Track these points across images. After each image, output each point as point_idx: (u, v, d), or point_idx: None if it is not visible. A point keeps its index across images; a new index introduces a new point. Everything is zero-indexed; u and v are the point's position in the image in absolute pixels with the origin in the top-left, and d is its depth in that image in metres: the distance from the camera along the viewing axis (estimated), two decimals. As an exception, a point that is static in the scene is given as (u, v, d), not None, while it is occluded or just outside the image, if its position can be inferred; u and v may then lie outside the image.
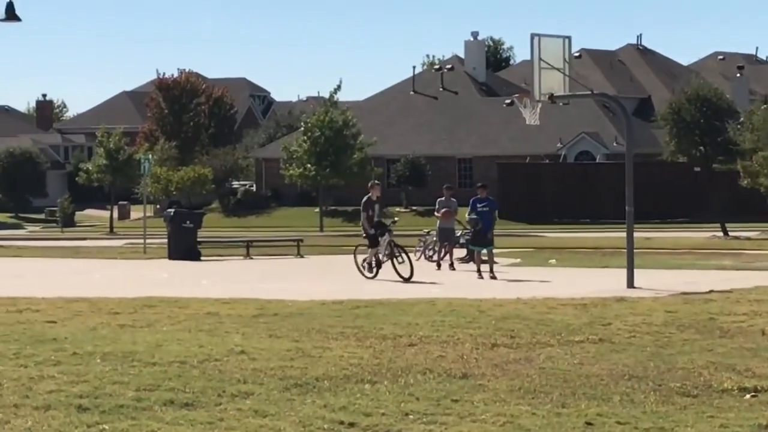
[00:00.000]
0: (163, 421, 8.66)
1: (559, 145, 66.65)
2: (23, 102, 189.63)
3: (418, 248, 29.01)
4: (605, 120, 67.86)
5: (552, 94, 20.69)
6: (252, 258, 31.72)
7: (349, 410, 9.07)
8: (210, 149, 74.71)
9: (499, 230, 23.98)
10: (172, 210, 32.99)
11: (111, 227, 60.36)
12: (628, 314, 15.09)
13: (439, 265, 25.90)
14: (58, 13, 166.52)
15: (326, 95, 63.84)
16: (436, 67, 79.28)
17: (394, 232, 23.79)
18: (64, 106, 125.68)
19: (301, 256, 32.14)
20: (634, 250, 20.67)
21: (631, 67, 78.71)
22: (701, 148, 46.68)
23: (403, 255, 22.51)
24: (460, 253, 27.63)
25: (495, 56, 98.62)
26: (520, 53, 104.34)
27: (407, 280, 21.80)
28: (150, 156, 42.22)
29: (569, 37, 21.16)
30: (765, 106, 44.94)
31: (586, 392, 9.85)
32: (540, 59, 20.52)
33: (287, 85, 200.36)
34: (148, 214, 43.07)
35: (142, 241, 36.21)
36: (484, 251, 23.28)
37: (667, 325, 14.10)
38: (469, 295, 17.95)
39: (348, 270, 26.59)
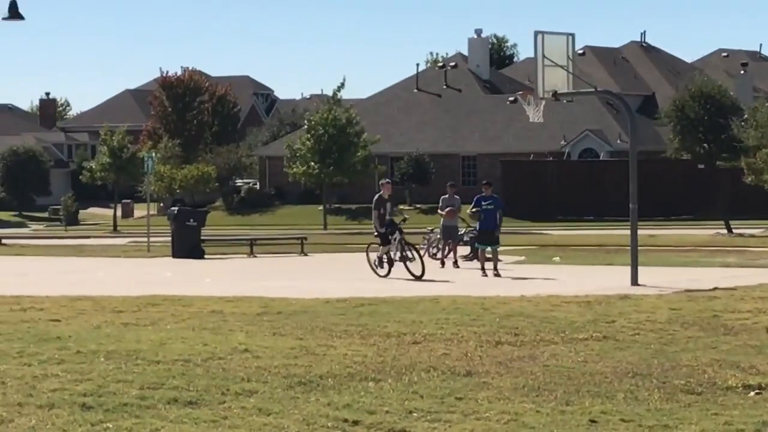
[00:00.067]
0: (167, 420, 8.66)
1: (562, 142, 66.61)
2: (27, 100, 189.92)
3: (422, 246, 28.96)
4: (609, 117, 67.81)
5: (556, 92, 20.67)
6: (256, 256, 31.73)
7: (353, 408, 9.07)
8: (213, 147, 74.74)
9: (502, 228, 23.91)
10: (176, 208, 33.01)
11: (114, 225, 60.40)
12: (632, 312, 15.08)
13: (442, 263, 25.89)
14: (61, 11, 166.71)
15: (330, 93, 63.83)
16: (440, 64, 79.27)
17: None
18: (68, 105, 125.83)
19: (305, 254, 32.14)
20: (638, 248, 20.66)
21: (635, 64, 78.65)
22: (705, 145, 46.75)
23: (414, 253, 22.40)
24: (464, 250, 27.62)
25: (499, 54, 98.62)
26: (524, 51, 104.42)
27: (419, 278, 21.65)
28: (153, 154, 42.24)
29: (573, 35, 21.15)
30: (769, 102, 44.89)
31: (590, 390, 9.84)
32: (544, 56, 20.51)
33: (291, 82, 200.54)
34: (151, 213, 43.08)
35: (145, 239, 36.22)
36: (489, 249, 23.26)
37: (671, 322, 14.09)
38: (473, 293, 17.95)
39: (352, 268, 26.58)
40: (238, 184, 73.06)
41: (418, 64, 77.68)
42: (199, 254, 30.70)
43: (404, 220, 23.97)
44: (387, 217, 22.74)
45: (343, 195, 65.00)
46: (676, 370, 10.78)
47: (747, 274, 21.72)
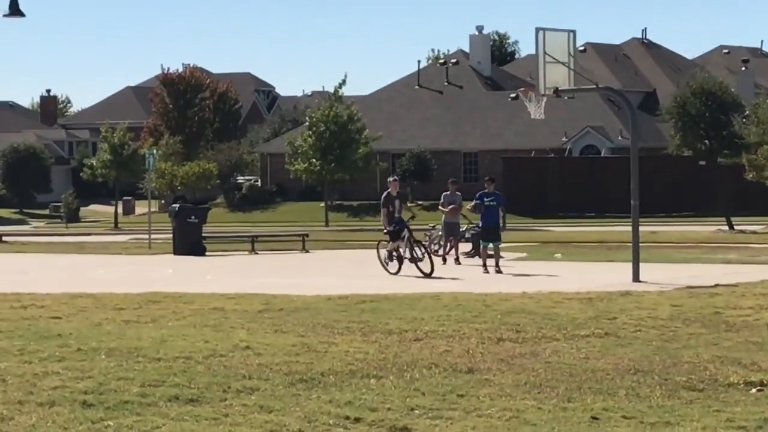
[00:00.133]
0: (168, 417, 8.65)
1: (564, 139, 66.60)
2: (27, 97, 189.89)
3: (423, 243, 28.95)
4: (610, 114, 67.80)
5: (557, 88, 20.65)
6: (257, 253, 31.72)
7: (354, 405, 9.06)
8: (215, 144, 74.74)
9: (508, 224, 23.90)
10: (177, 205, 32.99)
11: (116, 222, 60.39)
12: (634, 308, 15.08)
13: (444, 260, 25.87)
14: (62, 8, 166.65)
15: (331, 90, 63.78)
16: (441, 61, 79.24)
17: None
18: (69, 102, 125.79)
19: (307, 251, 32.13)
20: (640, 244, 20.64)
21: (636, 61, 78.63)
22: (706, 141, 46.66)
23: (422, 251, 22.31)
24: (465, 247, 27.61)
25: (500, 50, 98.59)
26: (525, 47, 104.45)
27: (428, 276, 21.56)
28: (154, 151, 42.23)
29: (574, 31, 21.13)
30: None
31: (591, 386, 9.84)
32: (545, 53, 20.49)
33: (292, 79, 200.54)
34: (152, 210, 43.07)
35: (146, 236, 36.21)
36: (491, 246, 23.25)
37: (672, 319, 14.08)
38: (475, 290, 17.94)
39: (354, 265, 26.58)
40: (240, 181, 73.05)
41: (419, 61, 77.71)
42: (200, 251, 30.69)
43: (412, 217, 23.87)
44: (396, 215, 22.62)
45: (345, 192, 64.99)
46: (677, 366, 10.77)
47: (748, 271, 21.71)
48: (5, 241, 39.53)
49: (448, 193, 26.64)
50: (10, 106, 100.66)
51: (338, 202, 63.83)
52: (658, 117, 58.88)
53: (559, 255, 28.09)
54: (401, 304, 15.72)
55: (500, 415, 8.77)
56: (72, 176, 78.76)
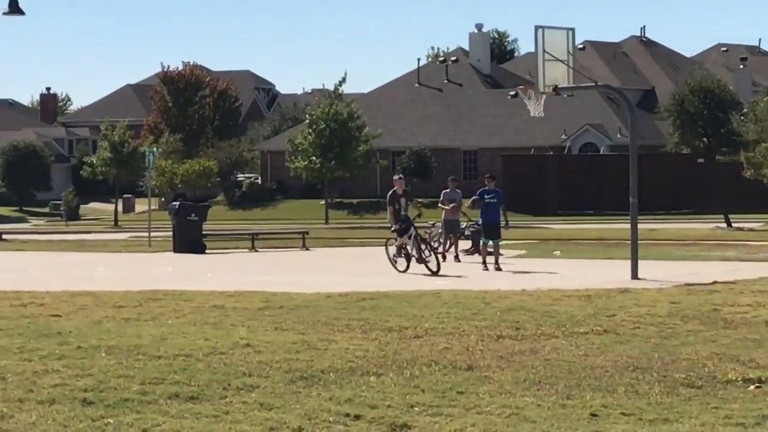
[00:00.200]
0: (168, 415, 8.67)
1: (563, 136, 66.62)
2: (27, 95, 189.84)
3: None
4: (609, 112, 67.81)
5: (556, 86, 20.67)
6: (257, 251, 31.73)
7: (354, 402, 9.08)
8: (215, 142, 74.74)
9: (511, 222, 23.84)
10: (177, 203, 32.99)
11: (115, 220, 60.40)
12: (633, 305, 15.10)
13: (444, 257, 25.87)
14: (61, 6, 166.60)
15: (331, 87, 63.80)
16: (441, 59, 79.22)
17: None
18: (68, 100, 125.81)
19: (307, 249, 32.14)
20: (638, 242, 20.66)
21: (635, 58, 78.62)
22: (705, 139, 46.67)
23: (428, 250, 22.21)
24: (465, 245, 27.63)
25: (500, 48, 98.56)
26: (525, 45, 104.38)
27: (435, 274, 21.49)
28: (154, 149, 42.24)
29: (573, 29, 21.14)
30: (768, 96, 44.87)
31: (590, 383, 9.86)
32: (544, 51, 20.50)
33: (292, 77, 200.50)
34: (152, 207, 43.09)
35: (146, 234, 36.23)
36: (491, 243, 23.27)
37: (671, 316, 14.10)
38: (475, 287, 17.96)
39: (354, 262, 26.59)
40: (240, 178, 73.06)
41: (419, 59, 77.67)
42: (200, 249, 30.70)
43: (419, 215, 23.83)
44: (402, 213, 22.48)
45: (345, 189, 65.00)
46: (676, 363, 10.80)
47: (746, 268, 21.73)
48: (5, 239, 39.53)
49: (448, 190, 26.65)
50: (10, 104, 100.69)
51: (338, 200, 63.84)
52: (657, 115, 58.88)
53: (558, 252, 28.11)
54: (401, 302, 15.74)
55: (500, 412, 8.79)
56: (72, 174, 78.75)
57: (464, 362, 10.88)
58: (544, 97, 21.36)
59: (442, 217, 26.79)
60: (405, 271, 22.05)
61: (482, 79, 73.67)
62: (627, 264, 20.21)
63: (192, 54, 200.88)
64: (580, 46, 67.94)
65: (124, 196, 68.90)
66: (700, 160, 52.26)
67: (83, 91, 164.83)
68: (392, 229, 22.68)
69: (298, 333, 12.85)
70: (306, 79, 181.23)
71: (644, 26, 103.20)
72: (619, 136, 65.12)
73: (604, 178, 56.27)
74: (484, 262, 23.12)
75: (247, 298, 16.35)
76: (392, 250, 22.77)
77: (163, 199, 65.69)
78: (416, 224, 22.96)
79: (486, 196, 23.41)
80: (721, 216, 43.94)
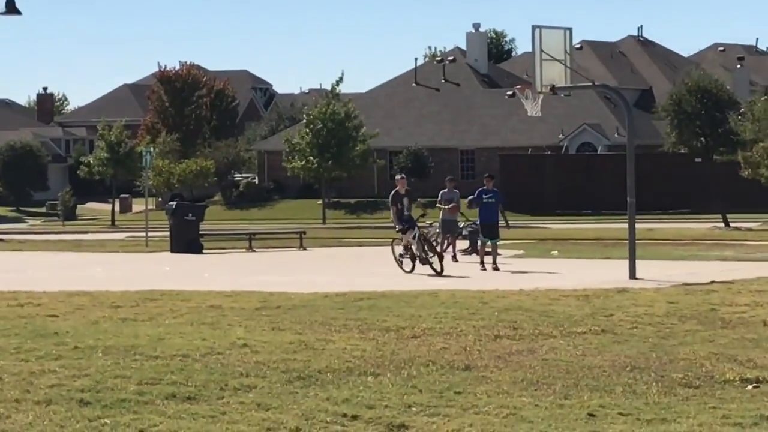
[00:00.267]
0: (165, 415, 8.65)
1: (560, 136, 66.64)
2: (24, 95, 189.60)
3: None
4: (606, 111, 67.83)
5: (553, 86, 20.66)
6: (254, 250, 31.72)
7: (352, 403, 9.07)
8: (212, 142, 74.70)
9: (510, 222, 23.79)
10: (174, 203, 32.97)
11: (113, 220, 60.37)
12: (630, 305, 15.09)
13: (441, 257, 25.85)
14: (58, 6, 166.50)
15: (328, 87, 63.80)
16: (438, 58, 79.22)
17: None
18: (65, 100, 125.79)
19: (304, 249, 32.13)
20: (636, 241, 20.66)
21: (632, 58, 78.66)
22: (702, 139, 46.75)
23: (431, 251, 22.08)
24: (462, 245, 27.62)
25: (497, 48, 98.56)
26: (522, 45, 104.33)
27: (440, 274, 21.32)
28: (151, 149, 42.20)
29: (570, 29, 21.13)
30: (765, 96, 44.92)
31: (588, 383, 9.85)
32: (541, 51, 20.50)
33: (289, 77, 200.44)
34: (150, 207, 43.09)
35: (143, 234, 36.20)
36: (489, 243, 23.26)
37: (668, 316, 14.10)
38: (472, 287, 17.95)
39: (351, 262, 26.59)
40: (237, 178, 73.04)
41: (416, 59, 77.68)
42: (197, 249, 30.68)
43: (423, 215, 23.69)
44: (405, 213, 22.30)
45: (342, 189, 64.98)
46: (674, 363, 10.79)
47: (744, 268, 21.73)
48: (2, 240, 39.49)
49: (446, 190, 26.65)
50: (7, 104, 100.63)
51: (335, 200, 63.83)
52: (654, 114, 58.98)
53: (555, 252, 28.11)
54: (399, 302, 15.73)
55: (497, 412, 8.78)
56: (69, 174, 78.71)
57: (462, 362, 10.87)
58: (541, 96, 21.35)
59: (440, 217, 26.78)
60: (411, 271, 21.79)
61: (479, 78, 73.68)
62: (625, 264, 20.20)
63: (189, 54, 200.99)
64: (578, 46, 68.00)
65: (121, 196, 68.87)
66: (698, 160, 52.32)
67: (80, 91, 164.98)
68: (397, 229, 22.55)
69: (296, 333, 12.83)
70: (303, 78, 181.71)
71: (641, 26, 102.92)
72: (616, 135, 65.13)
73: (602, 178, 56.29)
74: (482, 262, 23.11)
75: (244, 298, 16.33)
76: (398, 249, 22.58)
77: (160, 199, 65.66)
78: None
79: (484, 196, 23.40)
80: (719, 216, 43.95)
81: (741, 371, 10.25)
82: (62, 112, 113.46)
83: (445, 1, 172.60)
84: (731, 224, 42.63)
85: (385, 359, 11.05)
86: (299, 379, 10.03)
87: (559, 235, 38.00)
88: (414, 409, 8.90)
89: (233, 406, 8.99)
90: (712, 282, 18.27)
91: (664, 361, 10.92)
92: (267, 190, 69.65)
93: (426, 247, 22.08)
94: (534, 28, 20.63)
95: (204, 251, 30.84)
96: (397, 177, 23.22)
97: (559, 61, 20.66)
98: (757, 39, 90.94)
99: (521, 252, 28.46)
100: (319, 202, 59.91)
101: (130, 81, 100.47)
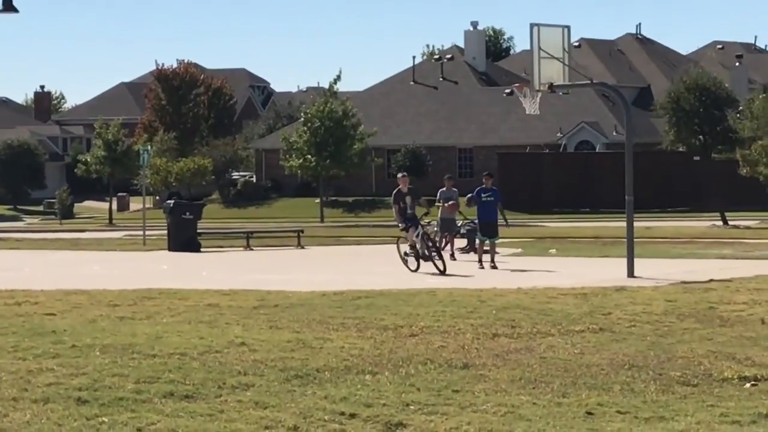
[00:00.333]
0: (163, 414, 8.64)
1: (559, 134, 66.64)
2: (21, 94, 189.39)
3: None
4: (605, 109, 67.84)
5: (551, 84, 20.65)
6: (252, 249, 31.71)
7: (349, 401, 9.06)
8: (209, 140, 74.67)
9: (510, 220, 23.74)
10: (172, 201, 32.96)
11: (110, 219, 60.35)
12: (629, 304, 15.09)
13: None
14: (56, 4, 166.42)
15: (326, 85, 63.82)
16: (436, 57, 79.22)
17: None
18: (63, 98, 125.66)
19: (302, 247, 32.13)
20: (634, 240, 20.66)
21: (631, 56, 78.67)
22: (700, 137, 46.74)
23: (433, 250, 21.99)
24: (461, 243, 27.62)
25: (495, 46, 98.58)
26: (520, 43, 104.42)
27: (443, 273, 21.20)
28: (149, 147, 42.19)
29: (568, 27, 21.13)
30: (764, 94, 44.92)
31: (586, 382, 9.85)
32: (539, 49, 20.49)
33: (287, 75, 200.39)
34: (147, 206, 43.05)
35: (141, 232, 36.20)
36: (488, 241, 23.25)
37: (667, 314, 14.09)
38: (470, 285, 17.95)
39: (349, 260, 26.58)
40: (235, 177, 73.01)
41: (414, 57, 77.68)
42: (195, 247, 30.68)
43: (426, 214, 23.64)
44: (408, 211, 22.13)
45: (340, 187, 64.97)
46: (672, 361, 10.78)
47: (742, 266, 21.74)
48: None
49: (444, 189, 26.65)
50: (4, 102, 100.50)
51: (333, 198, 63.82)
52: (653, 112, 58.94)
53: (554, 250, 28.11)
54: (396, 300, 15.72)
55: (495, 410, 8.77)
56: (66, 172, 78.67)
57: (460, 361, 10.86)
58: (539, 94, 21.34)
59: (438, 215, 26.78)
60: (416, 270, 21.64)
61: (478, 76, 73.68)
62: (623, 262, 20.20)
63: (186, 52, 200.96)
64: (576, 44, 68.00)
65: (119, 194, 68.85)
66: (696, 158, 52.32)
67: (77, 90, 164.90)
68: (400, 228, 22.45)
69: (293, 331, 12.82)
70: (301, 77, 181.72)
71: (640, 24, 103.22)
72: (614, 133, 65.14)
73: (600, 176, 56.31)
74: (480, 261, 23.11)
75: (242, 297, 16.32)
76: (404, 248, 22.45)
77: (157, 197, 65.65)
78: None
79: (483, 195, 23.39)
80: (717, 214, 43.98)
81: (739, 369, 10.24)
82: (59, 110, 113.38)
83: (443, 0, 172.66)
84: (729, 222, 42.65)
85: (383, 358, 11.04)
86: (297, 378, 10.02)
87: (557, 233, 38.02)
88: (412, 407, 8.89)
89: (231, 404, 8.98)
90: (711, 280, 18.27)
91: (662, 359, 10.92)
92: (265, 189, 69.63)
93: (429, 245, 21.99)
94: (532, 26, 20.62)
95: (202, 250, 30.84)
96: (399, 175, 23.07)
97: (557, 59, 20.65)
98: (755, 37, 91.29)
99: (519, 250, 28.46)
100: (317, 200, 59.90)
101: (127, 79, 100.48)
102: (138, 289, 17.58)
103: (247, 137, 78.80)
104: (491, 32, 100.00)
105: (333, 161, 58.05)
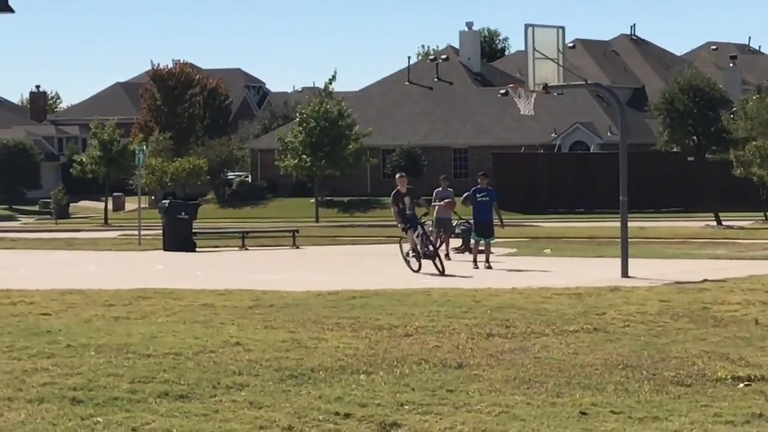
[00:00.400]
0: (157, 414, 8.65)
1: (553, 135, 66.68)
2: (17, 94, 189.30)
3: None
4: (599, 110, 67.89)
5: (546, 84, 20.67)
6: (247, 249, 31.70)
7: (344, 401, 9.08)
8: (205, 140, 74.63)
9: (505, 220, 23.71)
10: (167, 201, 32.94)
11: (105, 219, 60.29)
12: (623, 304, 15.11)
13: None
14: (51, 4, 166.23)
15: (321, 86, 63.87)
16: (431, 57, 79.24)
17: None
18: (58, 98, 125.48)
19: (297, 247, 32.12)
20: (629, 240, 20.68)
21: (625, 57, 78.72)
22: (695, 137, 46.70)
23: (432, 250, 21.98)
24: (455, 243, 27.63)
25: (490, 47, 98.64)
26: (515, 43, 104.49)
27: (442, 273, 21.15)
28: (144, 147, 42.17)
29: (563, 28, 21.15)
30: (758, 95, 44.98)
31: (580, 382, 9.87)
32: (534, 49, 20.51)
33: (282, 75, 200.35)
34: (142, 206, 43.02)
35: (136, 232, 36.17)
36: (483, 241, 23.26)
37: (661, 314, 14.12)
38: (465, 285, 17.97)
39: (344, 260, 26.58)
40: (230, 176, 72.97)
41: (409, 57, 77.75)
42: (190, 247, 30.66)
43: (426, 214, 23.56)
44: (407, 212, 22.04)
45: (335, 187, 64.96)
46: (665, 361, 10.81)
47: (736, 266, 21.77)
48: (-6, 238, 39.40)
49: (440, 189, 26.67)
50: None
51: (328, 198, 63.81)
52: (647, 113, 58.92)
53: (548, 251, 28.14)
54: (391, 300, 15.73)
55: (489, 410, 8.79)
56: (61, 172, 78.58)
57: (454, 360, 10.88)
58: (534, 95, 21.35)
59: (434, 215, 26.79)
60: (418, 270, 21.56)
61: (472, 77, 73.70)
62: (617, 262, 20.23)
63: (182, 52, 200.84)
64: (570, 45, 68.03)
65: (114, 194, 68.78)
66: (690, 159, 52.31)
67: (73, 89, 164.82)
68: (400, 228, 22.38)
69: (288, 331, 12.83)
70: (296, 77, 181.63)
71: (634, 24, 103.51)
72: (609, 134, 65.20)
73: (595, 177, 56.35)
74: (475, 261, 23.13)
75: (237, 297, 16.33)
76: (406, 248, 22.37)
77: (153, 197, 65.59)
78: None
79: (478, 195, 23.40)
80: (711, 214, 44.01)
81: (733, 369, 10.27)
82: (55, 110, 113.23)
83: (438, 0, 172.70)
84: (723, 223, 42.70)
85: (377, 357, 11.05)
86: (292, 378, 10.03)
87: (551, 233, 38.04)
88: (406, 407, 8.91)
89: (226, 404, 8.99)
90: (705, 280, 18.30)
91: (656, 359, 10.94)
92: (260, 189, 69.61)
93: (429, 245, 21.95)
94: (527, 26, 20.64)
95: (197, 250, 30.82)
96: (397, 176, 22.92)
97: (552, 59, 20.67)
98: (749, 38, 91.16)
99: (514, 250, 28.49)
100: (312, 200, 59.89)
101: (123, 79, 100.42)
102: (133, 288, 17.57)
103: (243, 137, 78.77)
104: (486, 33, 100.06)
105: (328, 161, 58.04)
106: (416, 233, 21.83)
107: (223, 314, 14.40)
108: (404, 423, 8.45)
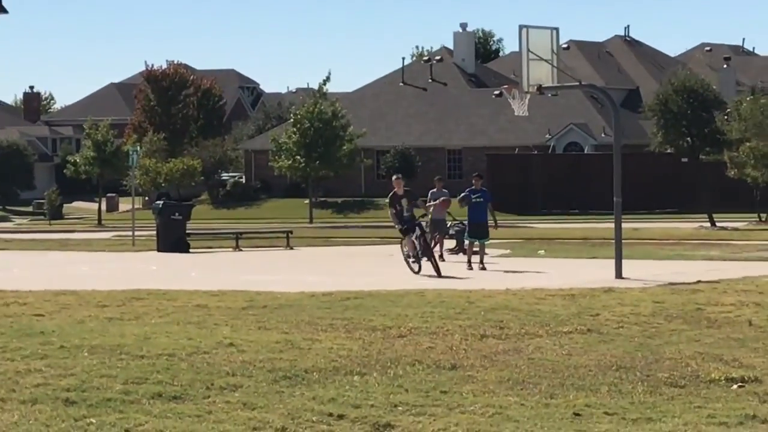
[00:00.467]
0: (151, 415, 8.64)
1: (547, 136, 66.74)
2: (10, 94, 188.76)
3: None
4: (593, 111, 67.96)
5: (540, 85, 20.68)
6: (241, 250, 31.69)
7: (338, 402, 9.07)
8: (199, 141, 74.59)
9: (500, 221, 23.66)
10: (161, 202, 32.91)
11: (99, 219, 60.23)
12: (616, 305, 15.12)
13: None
14: (45, 4, 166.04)
15: (315, 86, 63.76)
16: (426, 58, 79.27)
17: None
18: (52, 98, 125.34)
19: (291, 248, 32.12)
20: (622, 241, 20.70)
21: (619, 58, 78.80)
22: (688, 139, 46.76)
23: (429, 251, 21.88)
24: (450, 244, 27.63)
25: (484, 48, 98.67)
26: (509, 45, 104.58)
27: (439, 275, 21.04)
28: (138, 148, 42.14)
29: (557, 29, 21.16)
30: (752, 96, 45.05)
31: (574, 383, 9.87)
32: (528, 51, 20.52)
33: (276, 76, 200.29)
34: (136, 206, 42.99)
35: (130, 233, 36.14)
36: (477, 242, 23.26)
37: (654, 315, 14.13)
38: (459, 286, 17.96)
39: (338, 262, 26.58)
40: (224, 177, 72.94)
41: (403, 58, 77.83)
42: (184, 248, 30.64)
43: (424, 215, 23.49)
44: (405, 214, 21.93)
45: (329, 188, 64.96)
46: (659, 363, 10.81)
47: (730, 267, 21.80)
48: (-12, 238, 39.34)
49: (435, 190, 26.70)
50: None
51: (322, 199, 63.79)
52: (641, 114, 59.05)
53: (542, 252, 28.16)
54: (385, 301, 15.72)
55: (483, 411, 8.79)
56: (55, 173, 78.48)
57: (448, 361, 10.88)
58: (528, 96, 21.36)
59: (429, 216, 26.78)
60: (418, 272, 21.47)
61: (467, 78, 73.74)
62: (611, 263, 20.24)
63: (176, 53, 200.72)
64: (565, 46, 68.06)
65: (108, 195, 68.71)
66: (684, 160, 52.36)
67: (67, 90, 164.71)
68: (398, 229, 22.34)
69: (282, 332, 12.82)
70: (290, 78, 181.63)
71: (628, 26, 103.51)
72: (603, 135, 65.26)
73: (589, 178, 56.39)
74: (469, 262, 23.13)
75: (230, 298, 16.31)
76: (406, 250, 22.26)
77: (147, 198, 65.53)
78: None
79: (473, 196, 23.40)
80: (705, 215, 44.06)
81: (726, 371, 10.28)
82: (49, 111, 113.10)
83: (432, 1, 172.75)
84: (717, 224, 42.75)
85: (371, 359, 11.05)
86: (285, 379, 10.02)
87: (545, 234, 38.06)
88: (400, 408, 8.90)
89: (219, 405, 8.98)
90: (698, 282, 18.31)
91: (649, 360, 10.95)
92: (254, 190, 69.58)
93: (427, 246, 21.91)
94: (521, 27, 20.65)
95: (191, 250, 30.80)
96: (394, 178, 22.78)
97: (546, 60, 20.68)
98: (743, 39, 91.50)
99: (508, 251, 28.50)
100: (306, 201, 59.87)
101: (117, 80, 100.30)
102: (127, 289, 17.54)
103: (237, 138, 78.74)
104: (480, 34, 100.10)
105: (322, 162, 58.04)
106: (414, 235, 21.78)
107: (217, 315, 14.38)
108: (398, 424, 8.44)
